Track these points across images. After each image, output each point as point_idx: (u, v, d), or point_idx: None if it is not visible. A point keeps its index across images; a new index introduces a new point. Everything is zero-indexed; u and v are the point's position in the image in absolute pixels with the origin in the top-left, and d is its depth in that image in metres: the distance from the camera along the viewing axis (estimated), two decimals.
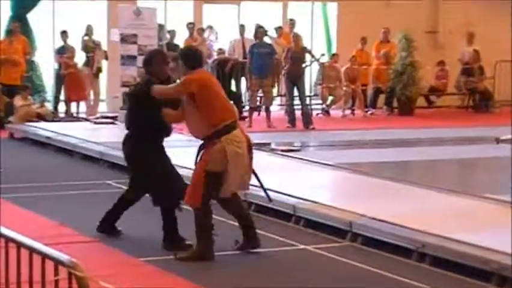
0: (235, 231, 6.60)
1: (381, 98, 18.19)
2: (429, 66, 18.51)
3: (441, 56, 19.33)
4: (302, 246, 6.79)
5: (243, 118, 15.80)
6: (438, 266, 6.15)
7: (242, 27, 16.95)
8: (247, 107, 15.74)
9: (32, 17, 16.74)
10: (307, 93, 15.54)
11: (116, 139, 11.94)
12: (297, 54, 15.19)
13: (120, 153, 9.34)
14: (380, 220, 6.87)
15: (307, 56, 15.69)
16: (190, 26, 17.02)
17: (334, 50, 18.91)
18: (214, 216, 6.39)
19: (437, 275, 6.04)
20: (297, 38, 16.36)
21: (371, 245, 6.72)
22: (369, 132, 14.23)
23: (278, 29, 17.26)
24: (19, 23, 15.88)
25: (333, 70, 17.41)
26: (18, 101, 14.55)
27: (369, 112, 17.74)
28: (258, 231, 6.78)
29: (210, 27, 17.60)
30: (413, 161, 11.48)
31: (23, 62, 15.28)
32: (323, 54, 17.42)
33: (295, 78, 14.85)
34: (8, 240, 3.73)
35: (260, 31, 14.77)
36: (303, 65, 15.44)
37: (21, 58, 15.13)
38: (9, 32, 15.37)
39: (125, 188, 9.12)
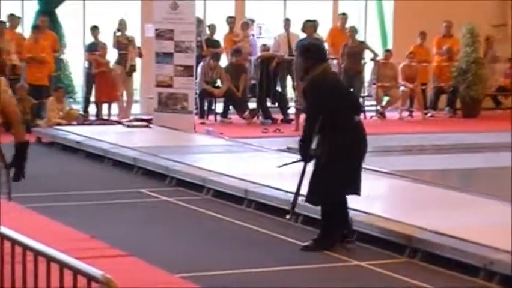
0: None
1: (443, 99, 18.05)
2: (497, 63, 18.31)
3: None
4: (355, 262, 6.76)
5: (289, 121, 15.83)
6: (508, 286, 6.07)
7: (287, 22, 16.96)
8: (293, 109, 15.74)
9: (60, 11, 16.97)
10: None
11: (151, 144, 12.17)
12: (354, 50, 15.15)
13: (155, 159, 9.44)
14: (442, 234, 6.80)
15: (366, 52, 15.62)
16: (230, 20, 17.09)
17: (390, 46, 18.82)
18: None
19: None
20: (353, 32, 16.31)
21: (432, 261, 6.66)
22: (430, 137, 14.12)
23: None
24: (47, 18, 16.08)
25: (389, 68, 17.32)
26: (52, 103, 14.71)
27: (429, 114, 17.61)
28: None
29: (252, 21, 17.65)
30: (479, 168, 11.37)
31: (51, 61, 15.47)
32: (388, 50, 17.41)
33: (352, 77, 14.78)
34: (38, 254, 3.78)
35: (309, 25, 14.75)
36: (362, 62, 15.36)
37: (49, 56, 15.30)
38: (37, 28, 15.56)
39: (159, 196, 9.25)
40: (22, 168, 6.11)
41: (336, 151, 6.84)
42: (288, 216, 7.31)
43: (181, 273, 6.29)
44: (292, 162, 7.13)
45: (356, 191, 7.01)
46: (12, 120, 6.19)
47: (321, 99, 6.84)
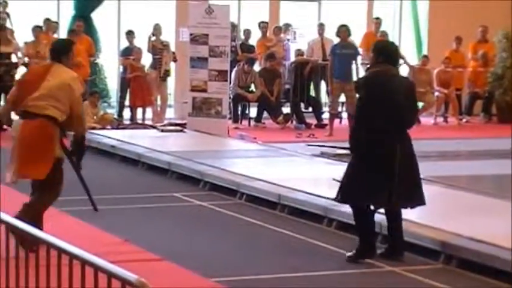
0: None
1: (478, 104, 17.91)
2: None
3: None
4: (389, 268, 6.72)
5: (322, 126, 15.80)
6: None
7: (321, 26, 16.95)
8: (327, 114, 15.71)
9: (96, 16, 17.10)
10: None
11: (185, 148, 12.20)
12: None
13: (189, 164, 9.46)
14: (477, 241, 6.74)
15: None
16: (263, 25, 17.10)
17: (425, 51, 18.71)
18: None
19: None
20: (384, 37, 16.28)
21: (467, 268, 6.60)
22: (465, 142, 14.01)
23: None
24: (83, 23, 16.22)
25: (425, 73, 17.22)
26: (86, 107, 14.80)
27: (464, 120, 17.48)
28: (340, 250, 6.78)
29: (288, 26, 17.65)
30: None
31: (87, 65, 15.57)
32: (423, 56, 17.33)
33: None
34: (73, 257, 3.80)
35: (343, 30, 14.72)
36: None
37: (84, 60, 15.40)
38: (72, 32, 15.68)
39: (193, 201, 9.26)
40: (80, 159, 7.16)
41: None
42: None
43: (215, 278, 6.30)
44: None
45: (385, 204, 6.89)
46: (75, 114, 6.92)
47: (362, 98, 6.93)
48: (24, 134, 6.91)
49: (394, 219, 6.99)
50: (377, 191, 6.73)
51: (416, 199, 6.90)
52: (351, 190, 6.83)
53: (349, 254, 6.87)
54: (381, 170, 6.69)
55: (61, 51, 7.23)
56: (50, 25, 15.97)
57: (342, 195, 6.90)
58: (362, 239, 6.89)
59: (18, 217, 5.59)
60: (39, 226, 6.29)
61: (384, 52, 6.90)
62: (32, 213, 6.72)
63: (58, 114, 6.88)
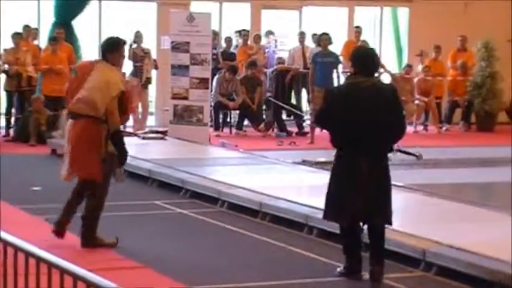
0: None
1: (458, 113, 17.99)
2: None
3: None
4: (369, 276, 6.70)
5: (304, 134, 15.80)
6: None
7: (302, 35, 16.98)
8: (308, 122, 15.72)
9: (77, 23, 17.03)
10: None
11: (166, 156, 12.16)
12: None
13: (170, 171, 9.43)
14: (457, 248, 6.75)
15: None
16: (244, 33, 17.08)
17: (404, 60, 18.78)
18: None
19: None
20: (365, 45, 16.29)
21: (446, 275, 6.61)
22: (445, 150, 14.05)
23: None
24: (64, 30, 16.15)
25: (407, 82, 17.28)
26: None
27: (444, 128, 17.55)
28: (320, 257, 6.75)
29: (270, 33, 17.66)
30: (495, 182, 11.29)
31: (68, 72, 15.50)
32: (407, 65, 17.40)
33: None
34: (51, 266, 3.76)
35: (324, 38, 14.75)
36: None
37: (65, 68, 15.36)
38: (53, 39, 15.62)
39: (174, 208, 9.21)
40: (122, 156, 7.44)
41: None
42: None
43: (196, 285, 6.27)
44: None
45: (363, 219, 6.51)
46: (108, 109, 7.17)
47: (328, 108, 6.60)
48: (71, 134, 7.35)
49: (377, 239, 6.54)
50: (353, 208, 6.39)
51: (383, 217, 6.47)
52: (333, 208, 6.55)
53: (339, 269, 6.63)
54: (353, 187, 6.37)
55: (106, 49, 7.47)
56: (30, 32, 15.90)
57: (325, 214, 6.68)
58: (349, 255, 6.61)
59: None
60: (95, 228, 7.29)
61: (360, 60, 6.53)
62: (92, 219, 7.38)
63: (99, 113, 7.17)
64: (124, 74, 16.16)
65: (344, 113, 6.37)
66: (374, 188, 6.38)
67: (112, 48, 7.41)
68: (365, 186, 6.34)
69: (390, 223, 6.52)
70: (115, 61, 7.42)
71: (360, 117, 6.31)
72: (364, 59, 6.56)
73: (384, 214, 6.48)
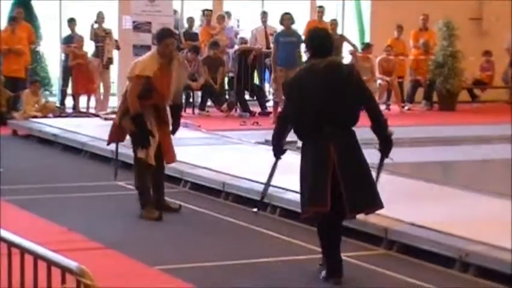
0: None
1: (420, 92, 18.11)
2: (473, 56, 18.37)
3: (487, 45, 19.18)
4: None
5: (267, 113, 15.81)
6: (483, 277, 6.10)
7: (264, 15, 16.94)
8: (271, 102, 15.72)
9: (37, 3, 16.83)
10: None
11: (128, 136, 12.06)
12: (335, 43, 15.09)
13: (132, 152, 9.37)
14: (418, 226, 6.82)
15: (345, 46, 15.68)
16: (207, 13, 17.01)
17: (367, 39, 18.84)
18: None
19: (482, 287, 5.99)
20: (335, 26, 16.35)
21: (408, 253, 6.68)
22: (407, 129, 14.12)
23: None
24: (23, 9, 15.95)
25: (367, 61, 17.35)
26: (27, 96, 14.61)
27: (406, 107, 17.67)
28: (283, 236, 6.80)
29: (229, 14, 17.60)
30: (456, 161, 11.41)
31: (28, 52, 15.34)
32: (367, 44, 17.44)
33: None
34: (11, 245, 3.74)
35: (286, 18, 14.73)
36: (341, 56, 15.40)
37: (25, 48, 15.18)
38: (12, 19, 15.43)
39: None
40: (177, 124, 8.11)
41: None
42: (255, 210, 6.92)
43: (159, 266, 6.27)
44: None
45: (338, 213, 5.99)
46: (180, 87, 8.10)
47: (289, 99, 6.28)
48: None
49: (335, 231, 6.10)
50: (318, 200, 5.91)
51: (370, 202, 6.05)
52: (310, 205, 6.00)
53: (323, 275, 6.05)
54: (321, 177, 5.90)
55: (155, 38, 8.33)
56: None
57: (302, 214, 6.19)
58: (329, 254, 6.09)
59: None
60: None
61: (315, 42, 6.19)
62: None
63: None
64: (85, 54, 16.09)
65: (301, 101, 6.00)
66: (350, 177, 5.93)
67: (157, 38, 8.05)
68: (340, 176, 5.87)
69: (382, 206, 6.12)
70: (159, 51, 7.88)
71: (318, 100, 5.93)
72: (318, 39, 6.23)
73: (373, 201, 6.06)
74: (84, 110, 15.75)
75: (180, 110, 8.59)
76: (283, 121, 6.31)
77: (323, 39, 6.26)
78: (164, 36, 7.89)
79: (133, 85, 7.81)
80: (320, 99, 5.93)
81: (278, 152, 6.36)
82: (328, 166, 5.88)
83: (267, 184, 6.67)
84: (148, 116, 7.81)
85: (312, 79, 6.02)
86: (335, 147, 5.92)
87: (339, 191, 5.88)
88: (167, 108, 8.01)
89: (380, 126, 6.29)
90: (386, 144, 6.35)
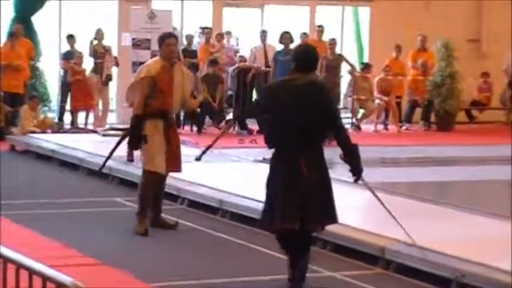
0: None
1: (418, 112, 18.13)
2: (471, 77, 18.41)
3: (485, 66, 19.23)
4: (328, 273, 6.74)
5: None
6: None
7: (264, 33, 16.98)
8: None
9: (37, 19, 16.87)
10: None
11: (125, 153, 12.04)
12: (333, 63, 15.15)
13: (130, 169, 9.38)
14: (416, 246, 6.80)
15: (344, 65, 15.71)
16: (207, 31, 17.05)
17: (366, 59, 18.89)
18: None
19: None
20: (333, 45, 16.38)
21: (405, 273, 6.66)
22: (404, 149, 14.16)
23: (303, 35, 17.14)
24: (23, 25, 15.98)
25: (366, 81, 17.38)
26: (26, 111, 14.61)
27: (404, 127, 17.68)
28: (279, 255, 6.79)
29: (229, 33, 17.65)
30: (453, 181, 11.39)
31: (27, 68, 15.36)
32: (366, 64, 17.49)
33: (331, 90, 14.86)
34: (7, 260, 3.72)
35: (286, 37, 14.77)
36: (339, 75, 15.44)
37: (24, 63, 15.20)
38: (12, 35, 15.46)
39: (134, 205, 9.17)
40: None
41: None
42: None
43: (155, 283, 6.24)
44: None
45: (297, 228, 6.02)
46: (186, 96, 8.22)
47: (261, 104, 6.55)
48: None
49: (302, 247, 6.15)
50: (288, 215, 5.98)
51: (328, 217, 6.13)
52: (267, 215, 6.15)
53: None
54: (291, 189, 5.98)
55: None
56: None
57: (262, 221, 6.32)
58: (292, 264, 6.14)
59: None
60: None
61: (299, 57, 6.32)
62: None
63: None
64: (84, 70, 16.11)
65: (274, 109, 6.15)
66: (314, 191, 5.99)
67: (159, 42, 8.18)
68: (305, 189, 5.95)
69: (336, 220, 6.21)
70: (161, 53, 8.12)
71: (290, 112, 6.03)
72: (302, 55, 6.38)
73: (329, 217, 6.15)
74: (82, 126, 15.76)
75: (195, 112, 9.01)
76: (257, 109, 6.45)
77: (309, 55, 6.38)
78: (165, 36, 8.17)
79: (140, 87, 8.01)
80: (293, 112, 6.04)
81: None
82: (301, 184, 5.97)
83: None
84: (156, 123, 8.00)
85: (289, 91, 6.14)
86: (304, 161, 5.99)
87: (304, 202, 5.97)
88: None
89: (342, 139, 6.23)
90: (352, 156, 6.26)
